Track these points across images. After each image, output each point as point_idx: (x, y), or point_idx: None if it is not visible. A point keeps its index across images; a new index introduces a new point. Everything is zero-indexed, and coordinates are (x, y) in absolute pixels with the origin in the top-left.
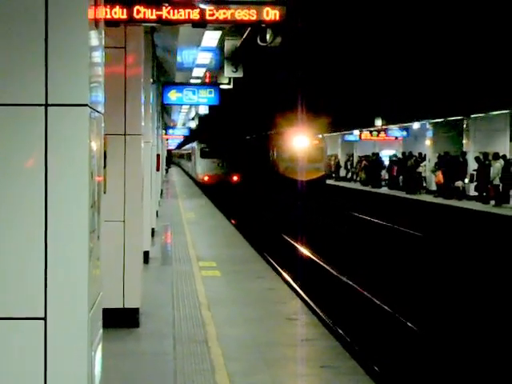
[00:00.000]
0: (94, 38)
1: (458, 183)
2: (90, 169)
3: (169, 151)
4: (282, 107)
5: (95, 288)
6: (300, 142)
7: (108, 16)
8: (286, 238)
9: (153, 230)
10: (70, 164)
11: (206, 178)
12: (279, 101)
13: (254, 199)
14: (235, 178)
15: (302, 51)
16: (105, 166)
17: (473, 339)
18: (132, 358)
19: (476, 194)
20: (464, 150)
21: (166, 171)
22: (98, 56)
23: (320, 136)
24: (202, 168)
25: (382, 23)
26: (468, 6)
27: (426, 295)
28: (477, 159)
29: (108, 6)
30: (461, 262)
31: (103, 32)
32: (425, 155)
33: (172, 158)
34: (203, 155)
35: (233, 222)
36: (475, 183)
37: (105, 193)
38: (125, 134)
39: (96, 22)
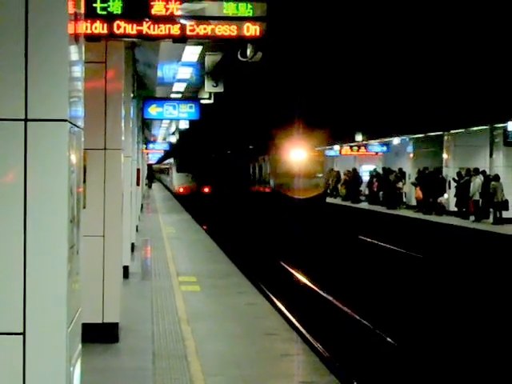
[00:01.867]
0: (74, 53)
1: (441, 199)
2: (69, 184)
3: (150, 166)
4: (264, 122)
5: (74, 303)
6: (297, 155)
7: (88, 31)
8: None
9: (133, 244)
10: (50, 179)
11: (181, 190)
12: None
13: (234, 213)
14: (206, 190)
15: (285, 65)
16: (84, 181)
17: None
18: (111, 373)
19: (456, 209)
20: (444, 165)
21: (150, 186)
22: (77, 71)
23: (319, 148)
24: (178, 181)
25: (361, 38)
26: (447, 24)
27: (404, 308)
28: (458, 175)
29: (88, 21)
30: (441, 277)
31: (83, 47)
32: (405, 171)
33: (154, 174)
34: (178, 170)
35: (205, 227)
36: (455, 199)
37: (84, 207)
38: (105, 149)
39: (76, 37)
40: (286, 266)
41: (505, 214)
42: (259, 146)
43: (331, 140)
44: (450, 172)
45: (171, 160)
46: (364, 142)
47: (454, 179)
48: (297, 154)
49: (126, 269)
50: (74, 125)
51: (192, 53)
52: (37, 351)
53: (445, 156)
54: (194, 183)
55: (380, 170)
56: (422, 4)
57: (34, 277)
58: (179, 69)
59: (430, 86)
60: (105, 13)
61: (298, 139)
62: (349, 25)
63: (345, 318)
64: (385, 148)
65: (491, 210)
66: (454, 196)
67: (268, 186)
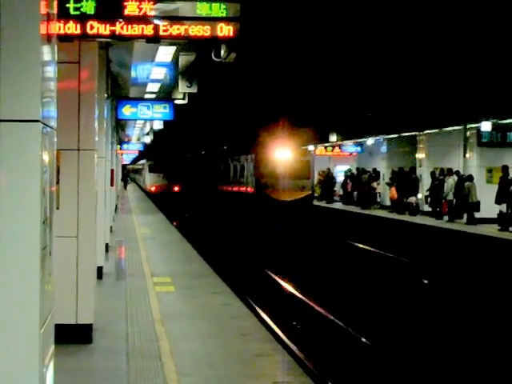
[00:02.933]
0: (47, 53)
1: (412, 199)
2: (41, 184)
3: (125, 167)
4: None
5: (47, 304)
6: (282, 154)
7: (61, 31)
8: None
9: (107, 245)
10: (22, 180)
11: (153, 188)
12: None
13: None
14: (176, 189)
15: (261, 64)
16: (58, 182)
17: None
18: (85, 374)
19: (430, 209)
20: (418, 165)
21: (125, 187)
22: (50, 71)
23: (307, 148)
24: (150, 180)
25: (335, 38)
26: (420, 24)
27: (378, 308)
28: (432, 174)
29: (61, 22)
30: (412, 276)
31: (56, 47)
32: (379, 171)
33: (129, 175)
34: (150, 170)
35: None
36: (429, 199)
37: (58, 208)
38: (78, 149)
39: (49, 37)
40: (257, 268)
41: (477, 214)
42: (239, 145)
43: (309, 140)
44: (423, 172)
45: (144, 161)
46: (338, 143)
47: (432, 174)
48: (282, 153)
49: (100, 269)
50: (47, 125)
51: (166, 53)
52: (9, 352)
53: (419, 156)
54: (165, 182)
55: (354, 171)
56: (393, 6)
57: (6, 278)
58: (153, 69)
59: (404, 86)
60: (78, 13)
61: (282, 138)
62: (322, 24)
63: (320, 318)
64: (359, 148)
65: (465, 211)
66: (428, 196)
67: (250, 187)
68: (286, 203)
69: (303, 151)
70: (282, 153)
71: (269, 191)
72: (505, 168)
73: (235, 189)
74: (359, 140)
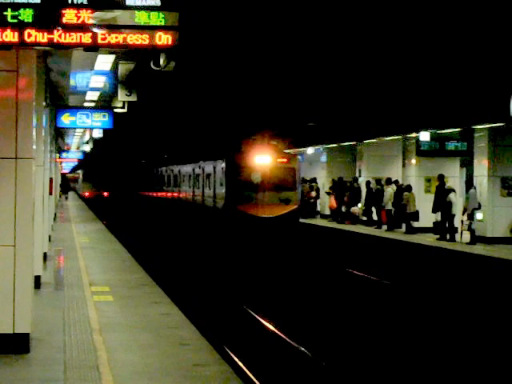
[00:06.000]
0: None
1: (354, 209)
2: None
3: (65, 176)
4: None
5: None
6: (259, 160)
7: None
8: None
9: (45, 254)
10: None
11: (87, 194)
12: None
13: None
14: (105, 194)
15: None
16: None
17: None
18: None
19: (374, 219)
20: (357, 175)
21: (66, 197)
22: None
23: (290, 152)
24: (84, 187)
25: (276, 44)
26: (363, 33)
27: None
28: (367, 184)
29: None
30: (356, 285)
31: None
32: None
33: (69, 183)
34: (84, 179)
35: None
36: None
37: None
38: (16, 158)
39: None
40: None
41: (417, 224)
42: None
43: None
44: (362, 182)
45: (80, 170)
46: None
47: (366, 184)
48: (261, 158)
49: (38, 279)
50: None
51: (105, 61)
52: None
53: (358, 166)
54: (96, 190)
55: None
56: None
57: None
58: (92, 77)
59: (344, 96)
60: (15, 21)
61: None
62: (263, 31)
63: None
64: (299, 157)
65: (403, 220)
66: (364, 205)
67: (212, 201)
68: (268, 220)
69: (287, 156)
70: (261, 159)
71: (244, 207)
72: (441, 177)
73: (168, 195)
74: (299, 149)
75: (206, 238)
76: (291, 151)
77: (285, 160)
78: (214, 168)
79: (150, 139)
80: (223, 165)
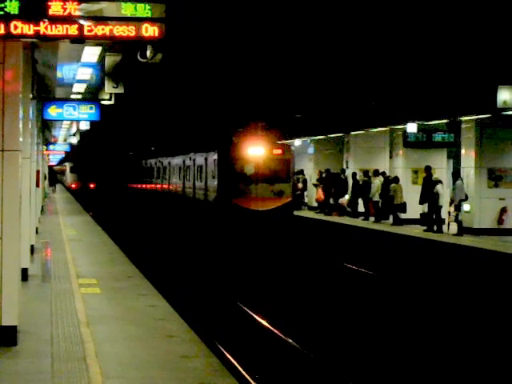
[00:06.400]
0: None
1: (343, 200)
2: None
3: (52, 168)
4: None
5: None
6: (254, 151)
7: None
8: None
9: (32, 246)
10: None
11: (73, 186)
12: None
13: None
14: (92, 186)
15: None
16: None
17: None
18: (8, 377)
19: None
20: (344, 167)
21: (54, 189)
22: None
23: (284, 143)
24: (70, 179)
25: (264, 36)
26: (348, 24)
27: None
28: (353, 176)
29: None
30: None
31: None
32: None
33: (57, 176)
34: (71, 171)
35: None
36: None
37: None
38: (2, 150)
39: None
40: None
41: (404, 215)
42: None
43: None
44: (349, 173)
45: (67, 162)
46: None
47: (352, 175)
48: (255, 150)
49: (25, 271)
50: None
51: (91, 53)
52: None
53: (345, 157)
54: (82, 181)
55: None
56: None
57: None
58: (79, 69)
59: (331, 87)
60: (2, 13)
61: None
62: (249, 24)
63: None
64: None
65: (391, 212)
66: (349, 197)
67: (203, 193)
68: (261, 213)
69: (282, 147)
70: (253, 150)
71: (236, 199)
72: (428, 168)
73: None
74: (287, 141)
75: (197, 232)
76: (284, 142)
77: (280, 151)
78: (206, 160)
79: (138, 131)
80: (215, 156)
